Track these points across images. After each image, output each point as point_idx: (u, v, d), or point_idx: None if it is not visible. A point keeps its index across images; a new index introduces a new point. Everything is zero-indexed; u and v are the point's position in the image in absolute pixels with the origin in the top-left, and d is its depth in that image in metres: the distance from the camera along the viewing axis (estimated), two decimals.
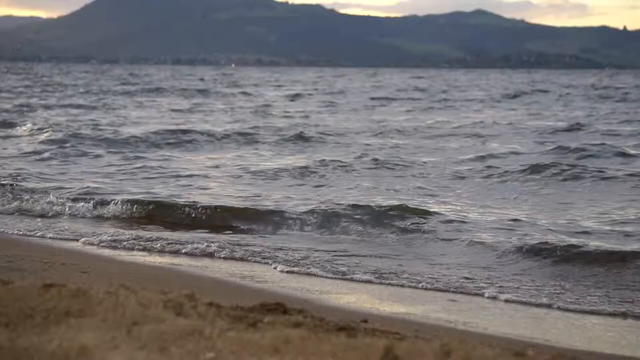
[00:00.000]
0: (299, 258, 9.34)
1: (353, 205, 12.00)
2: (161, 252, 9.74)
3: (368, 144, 22.57)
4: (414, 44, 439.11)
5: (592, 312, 7.29)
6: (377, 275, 8.51)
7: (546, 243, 9.65)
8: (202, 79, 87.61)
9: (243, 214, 11.88)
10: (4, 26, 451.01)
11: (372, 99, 49.08)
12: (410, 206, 11.98)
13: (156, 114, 34.81)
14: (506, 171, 16.32)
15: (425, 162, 18.02)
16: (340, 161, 17.67)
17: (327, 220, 11.44)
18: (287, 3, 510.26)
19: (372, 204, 12.08)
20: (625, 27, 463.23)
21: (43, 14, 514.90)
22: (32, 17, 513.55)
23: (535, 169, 16.23)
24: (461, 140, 24.25)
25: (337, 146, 22.23)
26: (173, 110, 37.54)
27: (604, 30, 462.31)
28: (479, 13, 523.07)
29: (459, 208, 12.58)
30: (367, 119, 32.49)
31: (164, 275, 8.27)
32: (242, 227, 11.45)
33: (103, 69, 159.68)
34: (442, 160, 18.57)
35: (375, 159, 17.98)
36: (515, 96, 53.46)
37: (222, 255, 9.50)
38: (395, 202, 12.31)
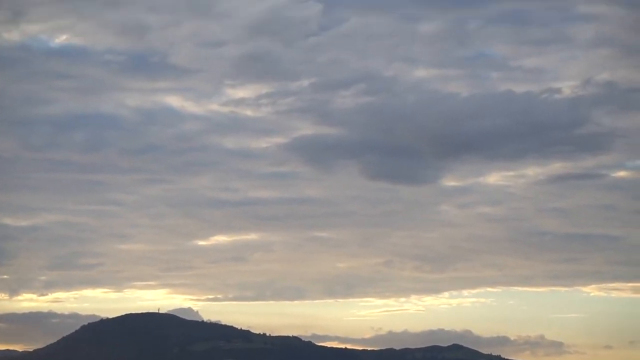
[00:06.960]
0: None
1: None
2: None
3: None
4: None
5: None
6: None
7: None
8: None
9: None
10: None
11: None
12: None
13: None
14: None
15: None
16: None
17: None
18: (264, 335, 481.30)
19: None
20: None
21: (18, 347, 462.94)
22: (7, 350, 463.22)
23: None
24: None
25: None
26: None
27: None
28: (456, 347, 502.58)
29: None
30: None
31: None
32: None
33: None
34: None
35: None
36: None
37: None
38: None
